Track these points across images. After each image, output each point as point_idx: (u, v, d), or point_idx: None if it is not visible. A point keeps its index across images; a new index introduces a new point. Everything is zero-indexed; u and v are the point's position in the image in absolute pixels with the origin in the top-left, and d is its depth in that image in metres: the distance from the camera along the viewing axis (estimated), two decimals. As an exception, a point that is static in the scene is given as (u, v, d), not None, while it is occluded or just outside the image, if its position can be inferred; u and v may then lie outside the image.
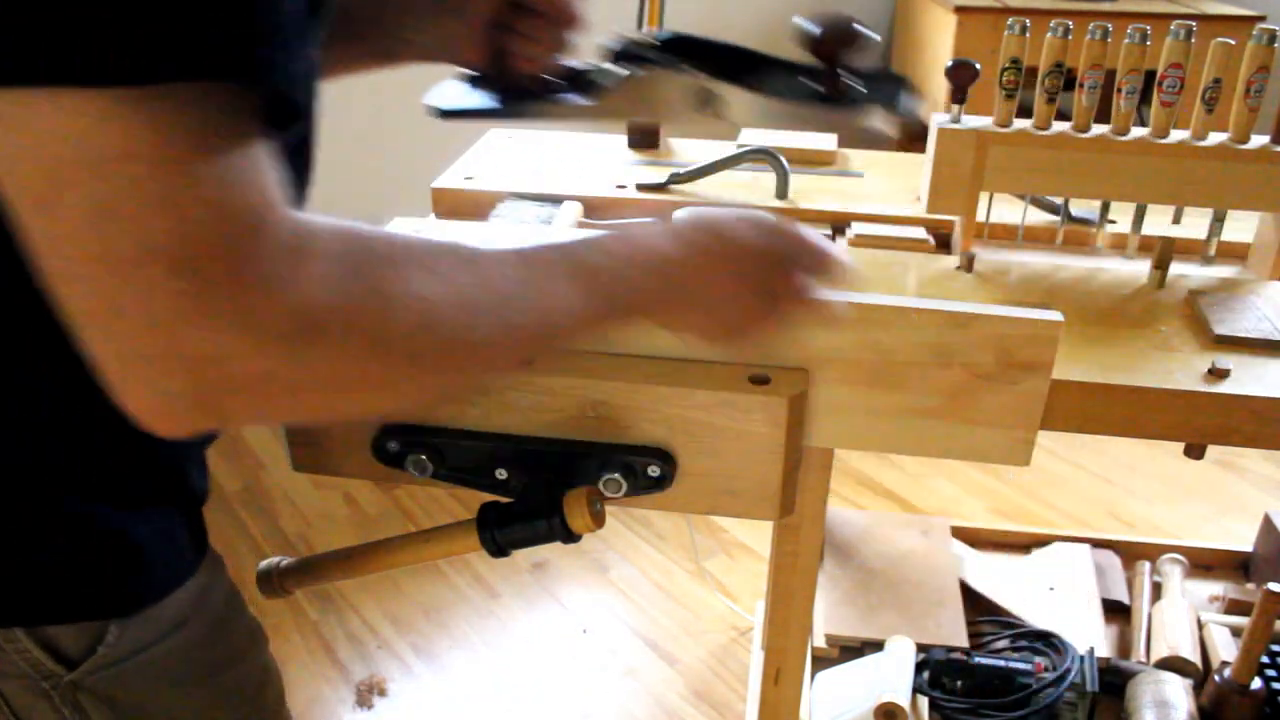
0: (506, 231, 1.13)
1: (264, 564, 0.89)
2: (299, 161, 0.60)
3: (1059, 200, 1.17)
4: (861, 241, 1.17)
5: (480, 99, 0.90)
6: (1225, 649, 1.49)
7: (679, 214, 0.65)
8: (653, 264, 0.61)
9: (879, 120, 0.86)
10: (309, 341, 0.45)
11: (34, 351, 0.54)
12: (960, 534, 1.77)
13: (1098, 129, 1.07)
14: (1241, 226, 1.19)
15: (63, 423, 0.57)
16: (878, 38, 0.88)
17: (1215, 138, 1.06)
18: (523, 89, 0.89)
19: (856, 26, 0.84)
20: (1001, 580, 1.66)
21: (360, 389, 0.49)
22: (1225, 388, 0.86)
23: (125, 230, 0.40)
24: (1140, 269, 1.10)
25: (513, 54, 0.86)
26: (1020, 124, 1.09)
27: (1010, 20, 1.07)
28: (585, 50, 0.90)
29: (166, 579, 0.66)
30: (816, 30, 0.85)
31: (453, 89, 0.91)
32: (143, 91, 0.40)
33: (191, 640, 0.67)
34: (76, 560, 0.60)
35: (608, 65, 0.91)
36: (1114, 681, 1.44)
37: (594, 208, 1.27)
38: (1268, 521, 1.67)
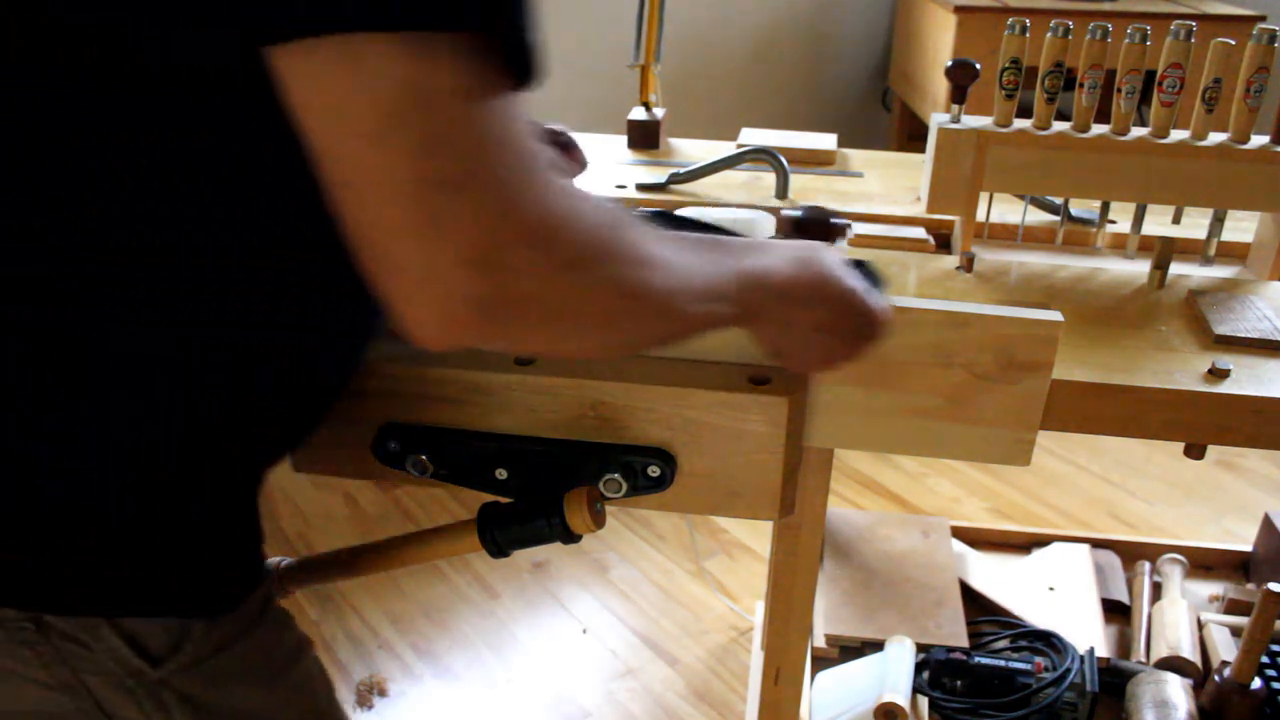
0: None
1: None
2: None
3: (1059, 200, 1.17)
4: (861, 241, 1.17)
5: None
6: (1225, 649, 1.48)
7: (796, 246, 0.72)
8: (764, 283, 0.66)
9: None
10: (583, 270, 0.52)
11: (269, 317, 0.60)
12: (960, 534, 1.77)
13: (1098, 129, 1.07)
14: (1241, 226, 1.19)
15: (276, 387, 0.63)
16: (851, 224, 1.01)
17: (1215, 138, 1.06)
18: None
19: (836, 220, 0.97)
20: (1001, 580, 1.66)
21: (598, 324, 0.56)
22: (1225, 388, 0.86)
23: (452, 156, 0.47)
24: (1140, 269, 1.10)
25: None
26: (1020, 124, 1.09)
27: (1010, 20, 1.07)
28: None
29: (252, 578, 0.69)
30: (798, 215, 0.97)
31: None
32: (469, 37, 0.46)
33: (262, 639, 0.70)
34: (199, 549, 0.64)
35: None
36: (1114, 681, 1.44)
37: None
38: (1268, 521, 1.67)
